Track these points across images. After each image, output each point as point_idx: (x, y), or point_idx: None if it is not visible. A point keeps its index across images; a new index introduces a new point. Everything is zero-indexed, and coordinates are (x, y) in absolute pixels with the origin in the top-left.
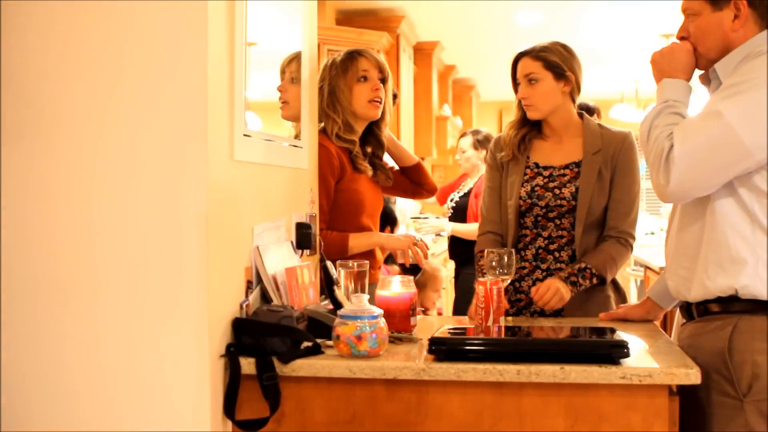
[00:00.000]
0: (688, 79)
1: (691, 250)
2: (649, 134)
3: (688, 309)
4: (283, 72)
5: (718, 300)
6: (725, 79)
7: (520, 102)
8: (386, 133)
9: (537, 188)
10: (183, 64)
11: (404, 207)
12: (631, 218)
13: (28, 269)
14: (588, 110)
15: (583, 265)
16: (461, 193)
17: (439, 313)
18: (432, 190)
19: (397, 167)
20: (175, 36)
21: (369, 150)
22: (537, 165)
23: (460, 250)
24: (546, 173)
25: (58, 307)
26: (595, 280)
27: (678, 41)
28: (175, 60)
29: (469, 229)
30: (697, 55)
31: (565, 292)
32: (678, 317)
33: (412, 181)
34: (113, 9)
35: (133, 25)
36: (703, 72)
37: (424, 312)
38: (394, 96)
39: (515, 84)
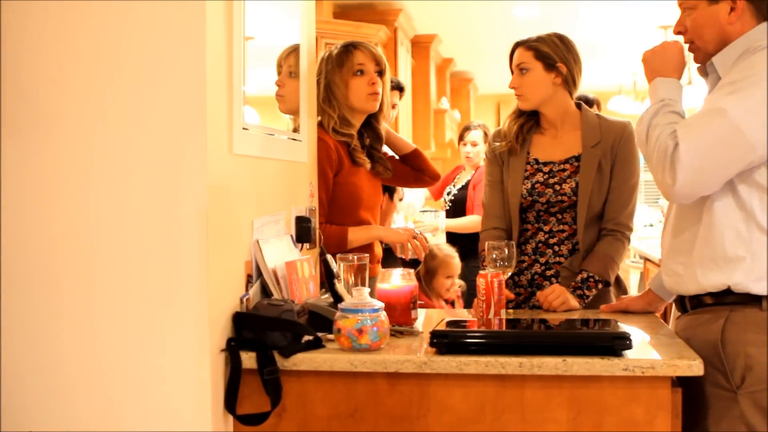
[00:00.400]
0: (680, 77)
1: (687, 245)
2: (648, 134)
3: (682, 302)
4: (279, 66)
5: (711, 293)
6: (723, 72)
7: None
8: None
9: (537, 185)
10: (181, 58)
11: (413, 201)
12: (629, 210)
13: (26, 265)
14: (587, 102)
15: (585, 276)
16: (458, 186)
17: (450, 302)
18: (434, 176)
19: (396, 157)
20: (174, 30)
21: (367, 142)
22: (537, 161)
23: (461, 244)
24: (546, 169)
25: (57, 304)
26: (600, 286)
27: (669, 40)
28: (174, 54)
29: (462, 223)
30: (695, 49)
31: (574, 303)
32: (674, 310)
33: (413, 168)
34: (111, 4)
35: (131, 19)
36: (700, 65)
37: (425, 305)
38: (401, 89)
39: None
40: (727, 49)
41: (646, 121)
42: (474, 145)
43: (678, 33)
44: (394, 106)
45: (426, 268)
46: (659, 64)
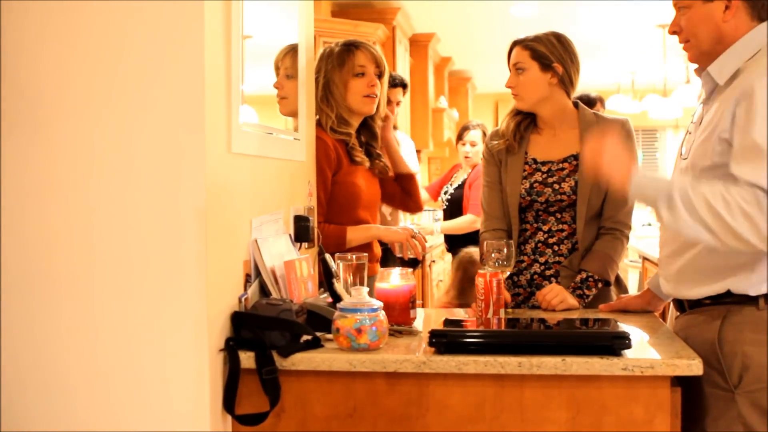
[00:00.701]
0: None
1: (688, 252)
2: (702, 211)
3: (680, 301)
4: (277, 68)
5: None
6: (720, 80)
7: None
8: (391, 135)
9: (536, 184)
10: (180, 57)
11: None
12: (628, 208)
13: (24, 264)
14: (590, 101)
15: (584, 276)
16: (455, 185)
17: None
18: (418, 207)
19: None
20: (172, 29)
21: (363, 140)
22: (535, 161)
23: (459, 243)
24: (544, 168)
25: (56, 303)
26: (600, 285)
27: (607, 143)
28: (173, 53)
29: (457, 224)
30: (689, 47)
31: (573, 301)
32: (672, 309)
33: (404, 189)
34: (110, 3)
35: (130, 18)
36: (697, 66)
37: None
38: (405, 85)
39: None
40: (722, 58)
41: (683, 211)
42: (473, 144)
43: (673, 33)
44: (398, 103)
45: (467, 275)
46: (624, 160)
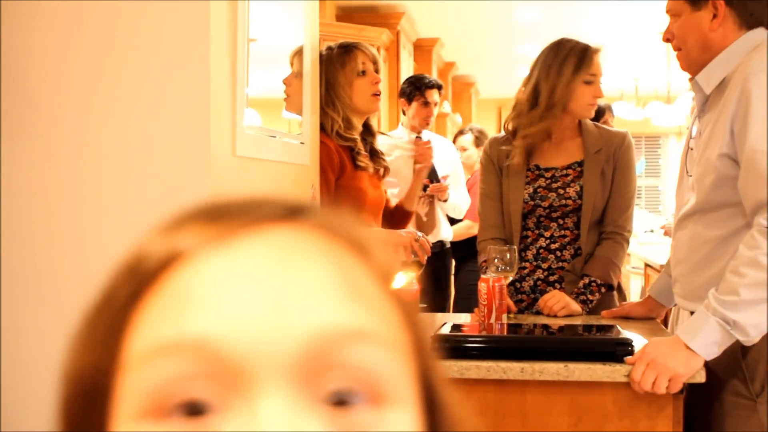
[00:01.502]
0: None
1: (713, 266)
2: (743, 292)
3: None
4: (291, 64)
5: None
6: (708, 89)
7: (514, 105)
8: (423, 174)
9: (539, 189)
10: (186, 60)
11: (459, 202)
12: (629, 213)
13: (28, 267)
14: (599, 109)
15: (587, 281)
16: None
17: None
18: None
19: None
20: (178, 31)
21: (362, 137)
22: (538, 167)
23: (460, 247)
24: (548, 174)
25: (59, 306)
26: (603, 290)
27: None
28: (178, 56)
29: (455, 231)
30: (681, 56)
31: (575, 307)
32: (673, 314)
33: (394, 217)
34: (116, 6)
35: (136, 21)
36: (690, 77)
37: None
38: (440, 87)
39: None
40: (709, 67)
41: (732, 300)
42: (464, 150)
43: (666, 40)
44: (435, 104)
45: None
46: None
